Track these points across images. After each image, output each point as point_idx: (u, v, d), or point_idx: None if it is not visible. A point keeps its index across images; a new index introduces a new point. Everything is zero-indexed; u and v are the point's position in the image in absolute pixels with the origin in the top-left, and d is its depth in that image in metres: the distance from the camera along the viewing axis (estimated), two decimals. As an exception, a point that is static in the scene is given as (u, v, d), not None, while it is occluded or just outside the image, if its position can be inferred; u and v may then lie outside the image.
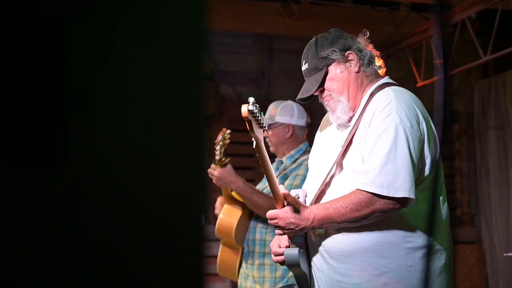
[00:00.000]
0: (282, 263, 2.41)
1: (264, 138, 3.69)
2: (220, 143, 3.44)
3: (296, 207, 2.27)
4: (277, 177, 3.57)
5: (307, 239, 2.43)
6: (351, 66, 2.42)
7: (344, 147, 2.35)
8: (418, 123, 2.26)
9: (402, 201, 2.20)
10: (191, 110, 0.79)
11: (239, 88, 6.89)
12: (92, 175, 0.74)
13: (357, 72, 2.42)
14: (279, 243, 2.43)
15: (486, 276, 7.01)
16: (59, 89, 0.72)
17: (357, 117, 2.38)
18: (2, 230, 0.70)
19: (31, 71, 0.71)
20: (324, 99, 2.45)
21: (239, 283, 3.68)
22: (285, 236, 2.39)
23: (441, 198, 2.37)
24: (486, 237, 7.03)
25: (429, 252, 2.16)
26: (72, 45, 0.73)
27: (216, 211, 3.76)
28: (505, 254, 3.85)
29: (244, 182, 3.48)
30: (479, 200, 7.19)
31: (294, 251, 2.35)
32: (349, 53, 2.42)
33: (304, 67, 2.47)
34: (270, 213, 2.31)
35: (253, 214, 3.60)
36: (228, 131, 3.50)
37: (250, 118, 2.09)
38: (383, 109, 2.26)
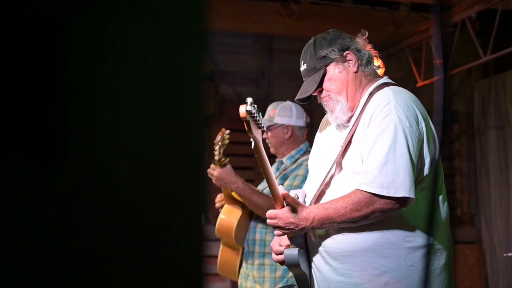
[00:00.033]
0: (282, 263, 2.41)
1: (264, 139, 3.70)
2: (219, 143, 3.44)
3: (296, 207, 2.27)
4: (277, 177, 3.57)
5: (306, 240, 2.43)
6: (349, 66, 2.42)
7: (343, 147, 2.35)
8: (417, 123, 2.26)
9: (402, 201, 2.20)
10: (191, 110, 0.79)
11: (239, 88, 6.89)
12: (92, 175, 0.74)
13: (356, 72, 2.42)
14: (280, 242, 2.43)
15: (486, 276, 7.01)
16: (59, 89, 0.72)
17: (356, 117, 2.38)
18: (2, 230, 0.70)
19: (31, 71, 0.71)
20: (323, 99, 2.45)
21: (239, 283, 3.68)
22: (286, 236, 2.39)
23: (441, 197, 2.37)
24: (486, 237, 7.03)
25: (428, 252, 2.16)
26: (72, 45, 0.73)
27: (217, 205, 3.76)
28: (505, 254, 3.85)
29: (243, 182, 3.48)
30: (479, 200, 7.19)
31: (294, 251, 2.35)
32: (348, 53, 2.42)
33: (303, 67, 2.47)
34: (269, 213, 2.31)
35: (253, 214, 3.61)
36: (227, 131, 3.50)
37: (248, 118, 2.08)
38: (382, 109, 2.26)
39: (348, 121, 2.42)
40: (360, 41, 2.47)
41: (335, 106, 2.40)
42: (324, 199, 2.37)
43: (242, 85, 6.92)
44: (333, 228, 2.30)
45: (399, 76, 6.79)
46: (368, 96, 2.37)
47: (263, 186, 3.68)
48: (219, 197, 3.78)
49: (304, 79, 2.47)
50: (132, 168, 0.76)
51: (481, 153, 7.12)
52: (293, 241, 2.39)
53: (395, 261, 2.25)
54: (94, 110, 0.74)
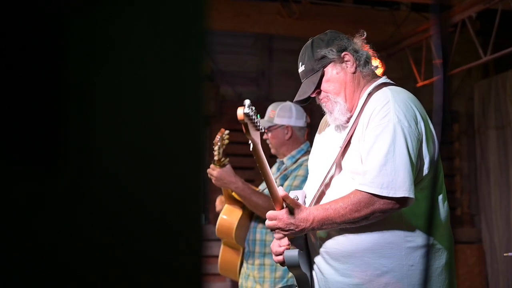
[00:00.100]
0: (282, 263, 2.41)
1: (265, 140, 3.70)
2: (218, 143, 3.44)
3: (295, 208, 2.27)
4: (277, 177, 3.57)
5: (307, 241, 2.43)
6: (347, 67, 2.42)
7: (343, 148, 2.35)
8: (416, 123, 2.26)
9: (401, 201, 2.20)
10: (191, 110, 0.79)
11: (239, 88, 6.89)
12: (92, 175, 0.74)
13: (354, 72, 2.42)
14: (280, 243, 2.43)
15: (486, 276, 7.01)
16: (59, 89, 0.72)
17: (355, 118, 2.37)
18: (2, 230, 0.70)
19: (31, 71, 0.71)
20: (321, 100, 2.44)
21: (240, 283, 3.68)
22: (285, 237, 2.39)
23: (441, 197, 2.37)
24: (486, 237, 7.03)
25: (428, 252, 2.16)
26: (72, 45, 0.73)
27: (217, 208, 3.77)
28: (505, 254, 3.86)
29: (243, 182, 3.48)
30: (479, 200, 7.19)
31: (294, 252, 2.35)
32: (345, 54, 2.41)
33: (301, 69, 2.47)
34: (269, 214, 2.31)
35: (253, 214, 3.61)
36: (227, 131, 3.50)
37: (246, 121, 2.08)
38: (381, 109, 2.26)
39: (347, 121, 2.42)
40: (358, 41, 2.47)
41: (334, 107, 2.40)
42: (324, 200, 2.37)
43: (242, 85, 6.92)
44: (333, 229, 2.30)
45: (399, 76, 6.79)
46: (367, 97, 2.37)
47: (263, 186, 3.68)
48: (218, 200, 3.78)
49: (302, 81, 2.47)
50: (132, 168, 0.76)
51: (481, 153, 7.12)
52: (293, 242, 2.39)
53: (395, 261, 2.25)
54: (94, 110, 0.74)
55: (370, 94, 2.36)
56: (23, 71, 0.71)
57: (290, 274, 3.27)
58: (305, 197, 2.47)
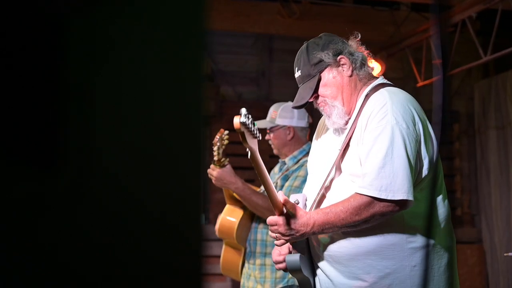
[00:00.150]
0: (285, 270, 2.41)
1: (267, 140, 3.71)
2: (218, 143, 3.44)
3: (296, 213, 2.27)
4: (279, 178, 3.57)
5: (309, 245, 2.43)
6: (343, 70, 2.41)
7: (342, 151, 2.34)
8: (414, 124, 2.25)
9: (401, 203, 2.20)
10: (191, 110, 0.79)
11: (239, 88, 6.90)
12: (92, 175, 0.74)
13: (350, 76, 2.41)
14: (280, 251, 2.43)
15: (487, 276, 7.01)
16: (59, 89, 0.72)
17: (353, 120, 2.37)
18: (2, 230, 0.70)
19: (31, 71, 0.71)
20: (319, 105, 2.44)
21: (241, 283, 3.68)
22: (286, 244, 2.39)
23: (441, 197, 2.36)
24: (487, 237, 7.03)
25: (427, 252, 2.16)
26: (72, 45, 0.73)
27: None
28: (505, 254, 3.86)
29: (243, 182, 3.47)
30: (479, 200, 7.19)
31: (295, 257, 2.35)
32: (341, 58, 2.41)
33: (297, 74, 2.46)
34: (270, 220, 2.31)
35: (255, 214, 3.61)
36: (226, 131, 3.49)
37: (242, 129, 2.08)
38: (379, 111, 2.25)
39: (346, 124, 2.41)
40: (353, 44, 2.46)
41: (332, 111, 2.40)
42: (325, 203, 2.37)
43: (242, 85, 6.92)
44: (335, 233, 2.30)
45: (400, 76, 6.79)
46: (364, 98, 2.37)
47: (263, 187, 3.68)
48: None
49: (299, 86, 2.47)
50: (132, 168, 0.76)
51: (482, 153, 7.12)
52: (295, 246, 2.39)
53: (398, 262, 2.25)
54: (94, 110, 0.74)
55: (367, 96, 2.36)
56: (23, 71, 0.71)
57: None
58: (306, 200, 2.47)
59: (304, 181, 3.22)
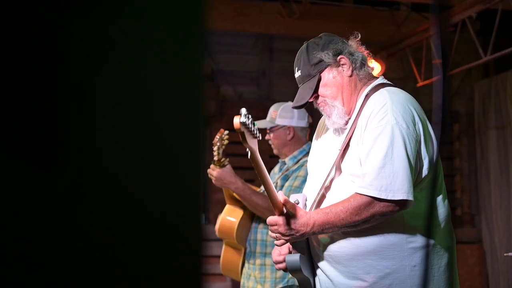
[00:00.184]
0: (285, 270, 2.41)
1: (267, 140, 3.71)
2: (218, 143, 3.44)
3: (296, 213, 2.27)
4: (279, 178, 3.57)
5: (309, 244, 2.43)
6: (343, 70, 2.41)
7: (342, 151, 2.35)
8: (414, 124, 2.25)
9: (401, 203, 2.20)
10: (191, 110, 0.79)
11: (239, 88, 6.90)
12: (92, 175, 0.74)
13: (350, 76, 2.41)
14: (280, 251, 2.43)
15: (487, 276, 7.01)
16: (59, 89, 0.72)
17: (353, 120, 2.37)
18: (2, 230, 0.70)
19: (31, 71, 0.71)
20: (319, 105, 2.44)
21: (241, 283, 3.68)
22: (286, 244, 2.39)
23: (441, 197, 2.36)
24: (487, 237, 7.03)
25: (427, 252, 2.16)
26: (72, 45, 0.73)
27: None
28: (505, 254, 3.86)
29: (243, 182, 3.47)
30: (479, 200, 7.19)
31: (295, 257, 2.35)
32: (341, 58, 2.40)
33: (297, 74, 2.46)
34: (270, 220, 2.31)
35: (255, 214, 3.61)
36: (226, 131, 3.49)
37: (242, 130, 2.08)
38: (379, 111, 2.25)
39: (346, 124, 2.41)
40: (353, 43, 2.46)
41: (332, 111, 2.40)
42: (325, 203, 2.37)
43: (242, 85, 6.92)
44: (335, 233, 2.30)
45: (400, 76, 6.79)
46: (364, 98, 2.37)
47: (264, 187, 3.68)
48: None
49: (299, 86, 2.47)
50: (132, 168, 0.76)
51: (482, 153, 7.12)
52: (295, 246, 2.39)
53: (398, 262, 2.26)
54: (94, 110, 0.74)
55: (367, 96, 2.36)
56: (23, 71, 0.71)
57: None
58: (306, 200, 2.47)
59: (304, 181, 3.22)
